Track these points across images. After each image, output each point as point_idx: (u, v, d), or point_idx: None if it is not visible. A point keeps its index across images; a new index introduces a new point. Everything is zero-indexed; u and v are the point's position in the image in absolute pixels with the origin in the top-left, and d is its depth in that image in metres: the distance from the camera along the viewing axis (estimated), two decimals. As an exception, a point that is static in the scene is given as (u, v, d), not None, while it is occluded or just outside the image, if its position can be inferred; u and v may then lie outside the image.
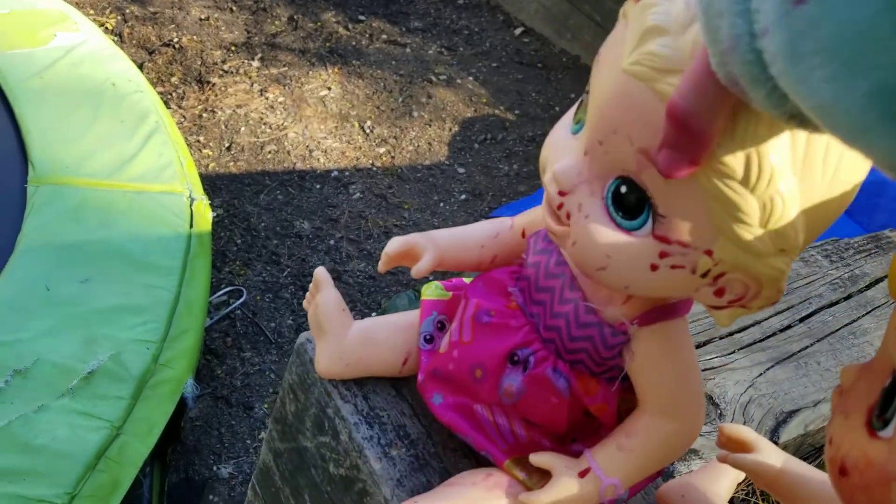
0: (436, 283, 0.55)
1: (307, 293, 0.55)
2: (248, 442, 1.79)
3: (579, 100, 0.40)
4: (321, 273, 0.54)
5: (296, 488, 0.62)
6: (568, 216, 0.39)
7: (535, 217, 0.50)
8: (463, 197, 2.46)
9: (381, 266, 0.51)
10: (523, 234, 0.50)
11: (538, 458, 0.47)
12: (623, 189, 0.37)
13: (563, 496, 0.46)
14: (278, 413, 0.63)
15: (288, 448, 0.62)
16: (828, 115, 0.25)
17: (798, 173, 0.33)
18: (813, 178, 0.33)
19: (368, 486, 0.53)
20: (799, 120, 0.28)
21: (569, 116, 0.41)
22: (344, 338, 0.53)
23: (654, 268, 0.37)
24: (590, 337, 0.44)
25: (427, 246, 0.49)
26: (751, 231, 0.34)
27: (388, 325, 0.54)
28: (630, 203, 0.37)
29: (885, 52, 0.22)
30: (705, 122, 0.31)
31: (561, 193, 0.38)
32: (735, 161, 0.32)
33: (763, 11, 0.25)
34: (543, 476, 0.48)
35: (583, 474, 0.46)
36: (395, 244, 0.50)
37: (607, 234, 0.38)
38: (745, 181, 0.32)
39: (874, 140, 0.24)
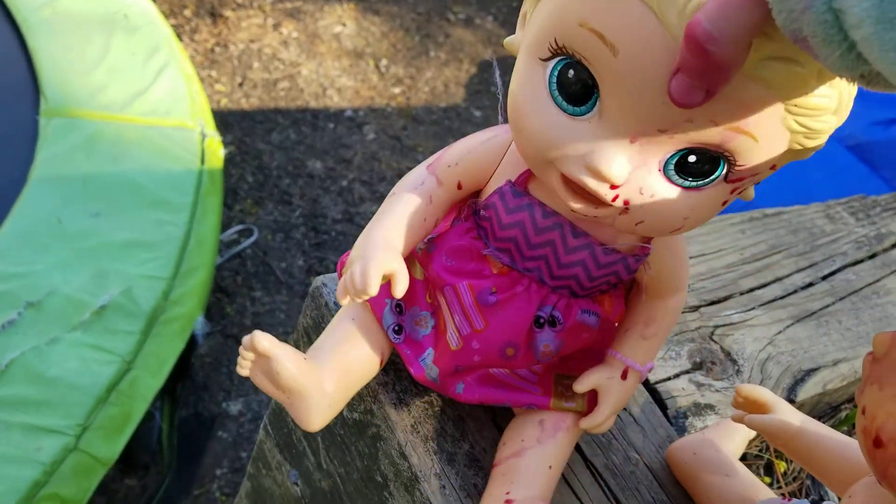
0: None
1: (241, 359, 0.45)
2: (258, 379, 1.80)
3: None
4: (261, 342, 0.44)
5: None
6: (626, 202, 0.38)
7: (466, 167, 0.46)
8: (478, 141, 2.43)
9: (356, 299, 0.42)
10: (459, 187, 0.46)
11: (582, 385, 0.49)
12: (692, 158, 0.36)
13: (617, 404, 0.49)
14: (291, 356, 0.62)
15: (300, 391, 0.62)
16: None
17: None
18: None
19: (382, 430, 0.52)
20: (868, 79, 0.26)
21: (533, 91, 0.38)
22: (322, 387, 0.46)
23: (724, 203, 0.39)
24: (612, 272, 0.45)
25: (395, 263, 0.42)
26: (822, 139, 0.37)
27: (350, 342, 0.49)
28: (700, 167, 0.37)
29: None
30: (726, 51, 0.29)
31: (613, 187, 0.37)
32: (830, 97, 0.34)
33: None
34: (589, 395, 0.49)
35: (624, 375, 0.49)
36: (372, 283, 0.41)
37: (680, 202, 0.38)
38: (837, 111, 0.35)
39: None
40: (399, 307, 0.50)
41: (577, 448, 0.55)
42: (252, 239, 1.98)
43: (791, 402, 0.65)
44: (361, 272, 0.41)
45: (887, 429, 0.34)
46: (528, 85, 0.38)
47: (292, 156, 2.27)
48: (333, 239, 2.09)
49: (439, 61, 2.65)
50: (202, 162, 1.87)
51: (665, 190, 0.37)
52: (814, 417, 0.71)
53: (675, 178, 0.37)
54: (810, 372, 0.68)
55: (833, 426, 0.71)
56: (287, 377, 0.44)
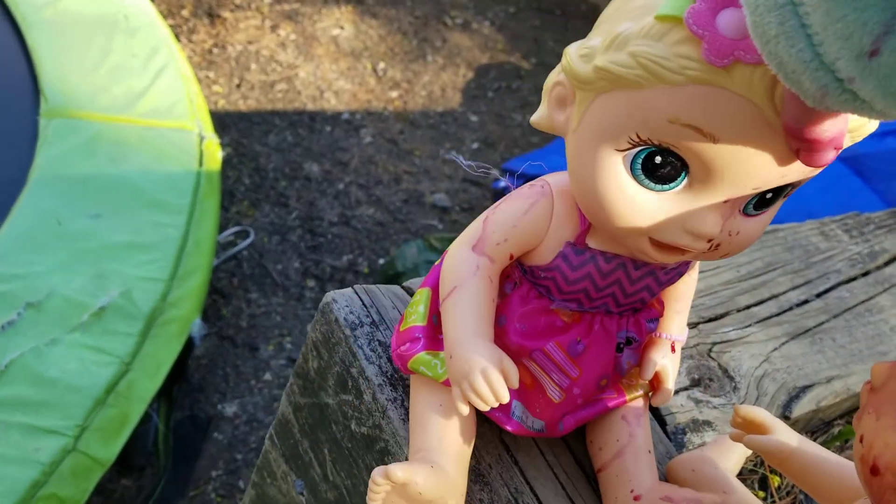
0: (433, 363, 0.50)
1: (373, 493, 0.45)
2: (253, 382, 1.82)
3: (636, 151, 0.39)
4: (397, 474, 0.44)
5: (315, 442, 0.63)
6: (717, 245, 0.41)
7: (515, 241, 0.47)
8: (475, 146, 2.44)
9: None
10: (511, 258, 0.48)
11: (649, 371, 0.53)
12: (769, 195, 0.40)
13: (675, 374, 0.54)
14: (300, 368, 0.63)
15: (309, 403, 0.63)
16: None
17: None
18: None
19: (391, 445, 0.54)
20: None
21: (614, 177, 0.40)
22: (455, 484, 0.48)
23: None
24: (669, 282, 0.49)
25: (504, 360, 0.44)
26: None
27: (452, 430, 0.50)
28: (772, 197, 0.40)
29: None
30: (824, 127, 0.34)
31: (709, 241, 0.41)
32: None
33: (842, 65, 0.28)
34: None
35: (672, 349, 0.54)
36: (503, 392, 0.43)
37: (757, 228, 0.42)
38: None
39: None
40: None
41: (579, 462, 0.56)
42: (248, 241, 2.00)
43: (786, 418, 0.67)
44: (488, 383, 0.43)
45: (884, 458, 0.35)
46: (605, 173, 0.40)
47: (289, 158, 2.28)
48: (330, 241, 2.11)
49: (436, 65, 2.67)
50: (200, 164, 1.87)
51: (748, 225, 0.41)
52: (807, 433, 0.73)
53: (752, 211, 0.41)
54: (805, 389, 0.69)
55: (825, 441, 0.73)
56: (429, 491, 0.46)
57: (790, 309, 0.77)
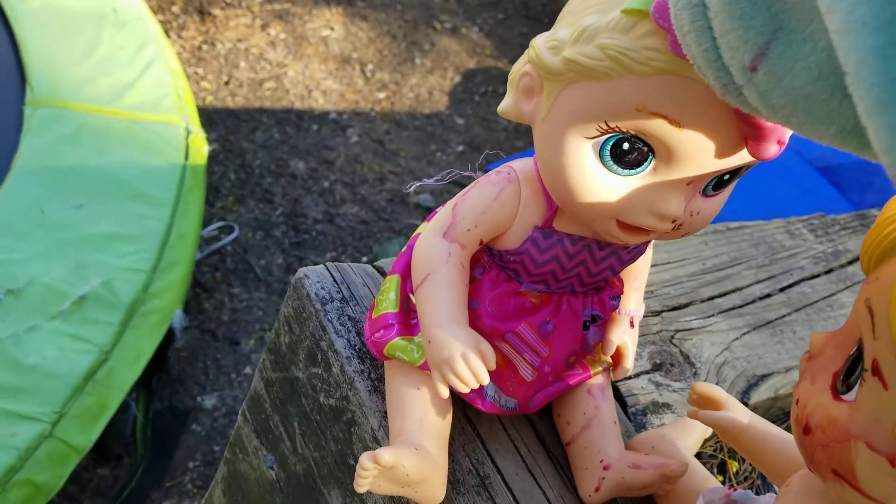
0: (409, 348, 0.52)
1: (360, 478, 0.46)
2: (233, 376, 1.82)
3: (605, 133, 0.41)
4: (385, 458, 0.45)
5: (286, 416, 0.65)
6: (679, 225, 0.43)
7: (486, 226, 0.48)
8: (460, 148, 2.46)
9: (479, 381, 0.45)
10: (481, 243, 0.50)
11: (611, 347, 0.55)
12: (727, 176, 0.42)
13: (634, 348, 0.56)
14: (272, 344, 0.65)
15: (280, 377, 0.65)
16: (821, 142, 0.31)
17: None
18: None
19: (357, 416, 0.55)
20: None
21: (583, 164, 0.42)
22: (436, 463, 0.50)
23: None
24: (631, 260, 0.51)
25: (481, 343, 0.46)
26: None
27: (430, 411, 0.52)
28: (730, 180, 0.43)
29: (832, 109, 0.27)
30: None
31: (673, 221, 0.43)
32: None
33: (734, 71, 0.30)
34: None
35: (632, 324, 0.56)
36: (483, 374, 0.45)
37: (715, 207, 0.44)
38: None
39: (867, 157, 0.29)
40: None
41: (539, 436, 0.58)
42: (232, 236, 2.00)
43: (745, 404, 0.69)
44: (469, 366, 0.44)
45: (815, 417, 0.37)
46: (575, 160, 0.41)
47: (275, 155, 2.30)
48: (314, 238, 2.12)
49: (424, 69, 2.69)
50: (186, 158, 1.88)
51: (707, 205, 0.43)
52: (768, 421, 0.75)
53: (711, 191, 0.43)
54: (763, 377, 0.71)
55: (786, 429, 0.75)
56: (415, 472, 0.47)
57: (753, 301, 0.79)
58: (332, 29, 2.73)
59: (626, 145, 0.40)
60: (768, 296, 0.81)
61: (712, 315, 0.75)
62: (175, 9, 2.63)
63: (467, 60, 2.76)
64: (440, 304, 0.47)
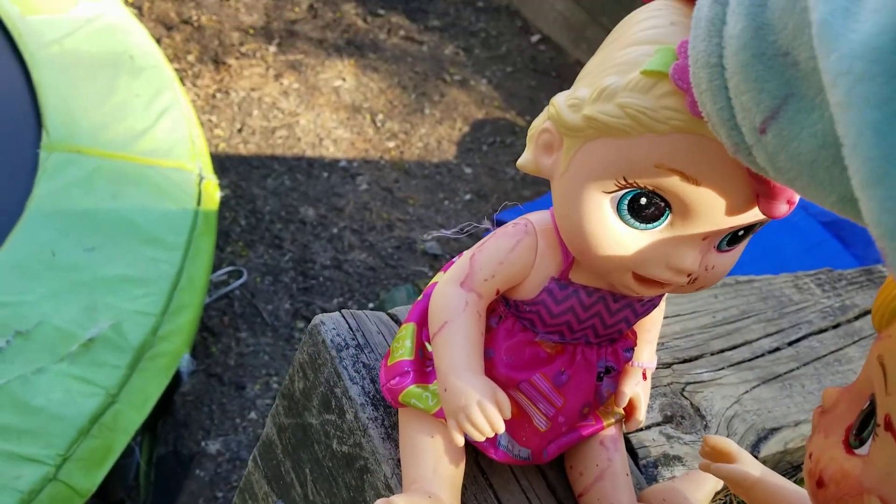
0: (424, 395, 0.53)
1: None
2: (238, 421, 1.82)
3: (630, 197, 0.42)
4: (401, 502, 0.47)
5: (297, 462, 0.65)
6: (694, 279, 0.44)
7: (502, 277, 0.50)
8: (468, 197, 2.49)
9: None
10: (497, 293, 0.51)
11: (624, 399, 0.55)
12: (741, 232, 0.43)
13: (646, 400, 0.57)
14: (286, 389, 0.65)
15: (292, 423, 0.65)
16: (823, 207, 0.32)
17: None
18: None
19: (370, 463, 0.56)
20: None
21: (601, 218, 0.43)
22: None
23: None
24: (645, 313, 0.52)
25: (497, 392, 0.47)
26: None
27: (444, 459, 0.52)
28: (744, 237, 0.44)
29: (833, 177, 0.28)
30: None
31: (689, 275, 0.44)
32: None
33: (745, 132, 0.31)
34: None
35: (644, 376, 0.56)
36: (499, 423, 0.46)
37: (729, 262, 0.45)
38: None
39: (864, 224, 0.30)
40: None
41: (550, 487, 0.58)
42: (241, 280, 2.02)
43: (755, 457, 0.69)
44: (485, 415, 0.45)
45: (828, 471, 0.38)
46: (592, 213, 0.43)
47: (286, 202, 2.32)
48: (321, 284, 2.13)
49: (434, 119, 2.73)
50: (198, 203, 1.91)
51: (721, 259, 0.44)
52: (776, 475, 0.75)
53: (725, 246, 0.44)
54: (773, 431, 0.72)
55: (795, 483, 0.75)
56: None
57: (762, 355, 0.80)
58: (343, 80, 2.78)
59: (643, 200, 0.41)
60: (777, 349, 0.81)
61: (722, 368, 0.75)
62: (190, 58, 2.69)
63: (476, 111, 2.81)
64: (457, 353, 0.48)
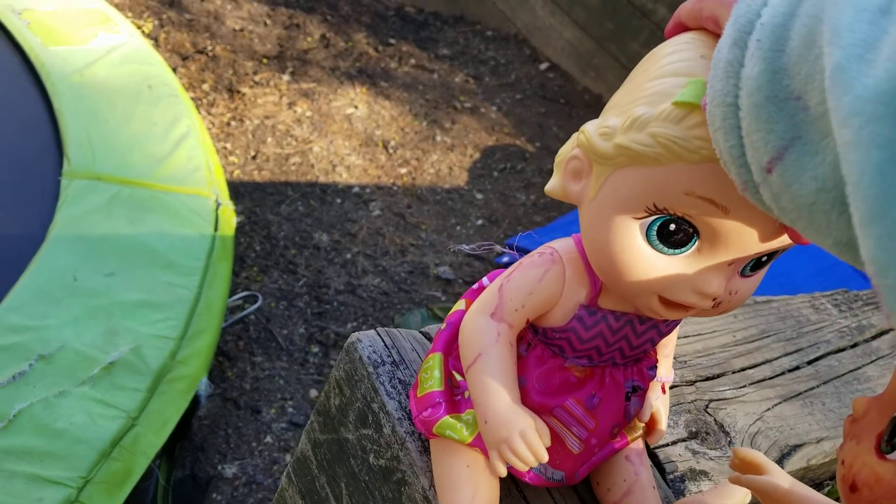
0: (458, 426, 0.54)
1: None
2: (254, 445, 1.83)
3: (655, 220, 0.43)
4: None
5: (333, 477, 0.66)
6: (719, 303, 0.45)
7: (532, 306, 0.51)
8: (479, 222, 2.51)
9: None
10: (527, 322, 0.52)
11: (646, 415, 0.57)
12: (764, 258, 0.45)
13: (667, 413, 0.58)
14: (321, 406, 0.67)
15: (328, 439, 0.67)
16: (822, 247, 0.33)
17: None
18: None
19: (408, 476, 0.57)
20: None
21: (630, 242, 0.44)
22: None
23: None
24: (668, 333, 0.54)
25: (537, 421, 0.49)
26: None
27: (481, 488, 0.54)
28: (766, 262, 0.45)
29: (830, 221, 0.30)
30: None
31: (713, 299, 0.45)
32: None
33: (754, 170, 0.33)
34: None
35: (663, 390, 0.58)
36: (542, 451, 0.47)
37: (751, 287, 0.46)
38: None
39: (860, 268, 0.31)
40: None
41: (583, 502, 0.60)
42: (256, 305, 2.04)
43: (778, 474, 0.71)
44: (527, 445, 0.47)
45: (861, 476, 0.39)
46: (621, 238, 0.44)
47: (300, 227, 2.35)
48: (335, 309, 2.15)
49: (445, 145, 2.77)
50: (215, 229, 1.94)
51: (745, 284, 0.46)
52: (799, 492, 0.76)
53: (749, 272, 0.45)
54: (796, 447, 0.73)
55: (817, 500, 0.76)
56: None
57: (783, 373, 0.81)
58: (356, 107, 2.82)
59: (672, 226, 0.42)
60: (797, 368, 0.83)
61: (744, 386, 0.77)
62: (206, 87, 2.73)
63: (486, 138, 2.84)
64: (494, 385, 0.49)
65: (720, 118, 0.34)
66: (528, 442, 0.46)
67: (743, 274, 0.45)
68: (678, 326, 0.57)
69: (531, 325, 0.53)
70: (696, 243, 0.43)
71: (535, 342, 0.53)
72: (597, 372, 0.53)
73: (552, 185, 0.49)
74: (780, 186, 0.31)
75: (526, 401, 0.52)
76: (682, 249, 0.43)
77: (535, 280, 0.50)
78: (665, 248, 0.43)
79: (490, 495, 0.53)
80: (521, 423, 0.47)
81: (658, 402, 0.57)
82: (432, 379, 0.56)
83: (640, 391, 0.55)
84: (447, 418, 0.54)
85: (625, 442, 0.58)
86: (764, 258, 0.45)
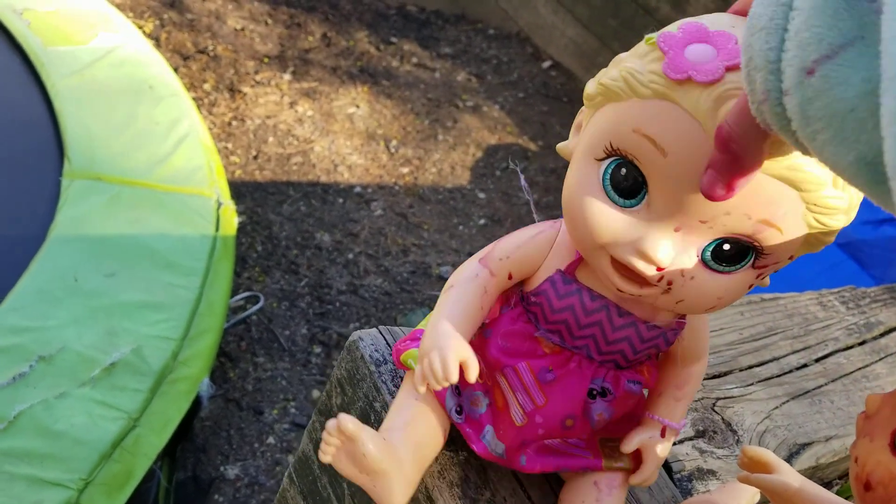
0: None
1: (325, 444, 0.47)
2: (256, 445, 1.82)
3: (605, 163, 0.43)
4: (347, 425, 0.46)
5: (334, 477, 0.65)
6: (669, 283, 0.43)
7: (517, 259, 0.51)
8: (482, 222, 2.50)
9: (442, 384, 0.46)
10: (510, 277, 0.51)
11: (630, 445, 0.53)
12: (726, 246, 0.42)
13: (660, 459, 0.54)
14: (322, 405, 0.66)
15: (329, 439, 0.66)
16: (834, 171, 0.31)
17: None
18: None
19: (410, 477, 0.56)
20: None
21: (588, 188, 0.43)
22: (401, 466, 0.49)
23: (749, 286, 0.44)
24: (654, 345, 0.50)
25: (467, 351, 0.46)
26: (833, 235, 0.42)
27: (418, 421, 0.52)
28: (732, 254, 0.42)
29: (863, 131, 0.28)
30: (745, 150, 0.36)
31: (659, 269, 0.43)
32: (842, 199, 0.40)
33: (787, 73, 0.30)
34: (633, 455, 0.54)
35: (662, 434, 0.54)
36: (453, 371, 0.45)
37: (714, 284, 0.43)
38: (847, 211, 0.41)
39: (873, 197, 0.29)
40: (457, 388, 0.54)
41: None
42: (258, 306, 2.03)
43: (787, 473, 0.70)
44: (441, 361, 0.45)
45: (876, 474, 0.38)
46: (583, 182, 0.44)
47: (301, 227, 2.34)
48: (337, 309, 2.14)
49: (447, 144, 2.76)
50: (216, 229, 1.93)
51: (702, 273, 0.43)
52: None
53: (711, 263, 0.43)
54: (804, 446, 0.72)
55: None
56: (373, 459, 0.46)
57: (790, 371, 0.80)
58: (357, 107, 2.81)
59: (623, 171, 0.42)
60: (805, 366, 0.82)
61: (752, 384, 0.76)
62: (207, 86, 2.73)
63: (488, 137, 2.83)
64: (448, 311, 0.49)
65: (767, 18, 0.31)
66: (445, 361, 0.45)
67: (705, 261, 0.43)
68: (698, 366, 0.54)
69: (520, 292, 0.52)
70: (645, 199, 0.42)
71: (516, 305, 0.52)
72: (566, 354, 0.51)
73: (562, 143, 0.49)
74: (817, 89, 0.29)
75: (483, 352, 0.51)
76: (632, 202, 0.43)
77: (527, 237, 0.51)
78: (617, 198, 0.43)
79: (425, 436, 0.52)
80: (447, 344, 0.45)
81: (650, 441, 0.54)
82: (423, 323, 0.56)
83: (609, 396, 0.52)
84: (414, 349, 0.54)
85: (596, 463, 0.54)
86: (726, 246, 0.42)
